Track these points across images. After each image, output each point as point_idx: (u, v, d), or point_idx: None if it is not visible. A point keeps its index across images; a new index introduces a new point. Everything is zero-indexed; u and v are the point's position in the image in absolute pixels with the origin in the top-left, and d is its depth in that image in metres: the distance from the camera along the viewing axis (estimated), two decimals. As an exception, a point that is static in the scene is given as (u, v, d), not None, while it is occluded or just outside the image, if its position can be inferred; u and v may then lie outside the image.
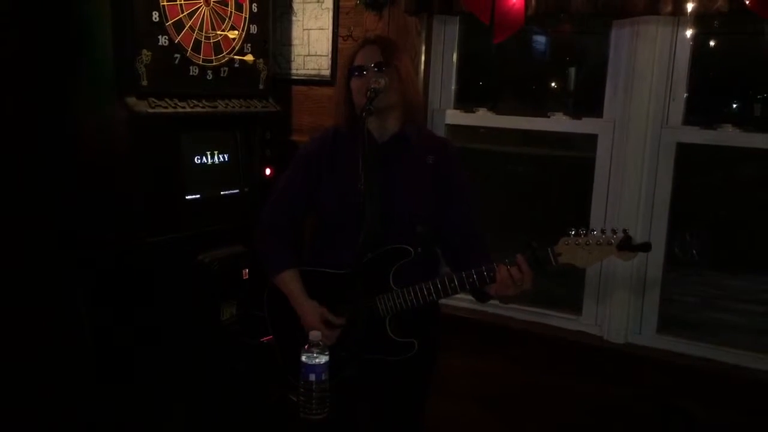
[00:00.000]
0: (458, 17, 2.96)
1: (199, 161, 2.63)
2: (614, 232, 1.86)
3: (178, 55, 2.47)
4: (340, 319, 2.07)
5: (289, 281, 2.14)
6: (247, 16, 2.72)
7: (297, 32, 3.17)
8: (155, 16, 2.37)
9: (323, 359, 1.72)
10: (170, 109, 2.43)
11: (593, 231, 1.86)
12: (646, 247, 1.88)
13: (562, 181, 3.96)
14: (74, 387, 2.66)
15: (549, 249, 1.88)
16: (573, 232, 1.86)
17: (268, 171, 2.84)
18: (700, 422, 2.53)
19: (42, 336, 2.63)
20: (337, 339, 2.05)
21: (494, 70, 3.74)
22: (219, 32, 2.60)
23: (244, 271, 2.68)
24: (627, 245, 1.84)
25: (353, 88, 2.07)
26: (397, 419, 2.25)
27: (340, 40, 3.08)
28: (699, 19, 2.40)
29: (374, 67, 2.05)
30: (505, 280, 1.90)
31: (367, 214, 1.93)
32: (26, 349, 2.60)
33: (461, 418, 3.00)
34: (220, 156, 2.71)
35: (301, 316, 2.11)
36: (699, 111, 2.76)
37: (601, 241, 1.85)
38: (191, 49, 2.51)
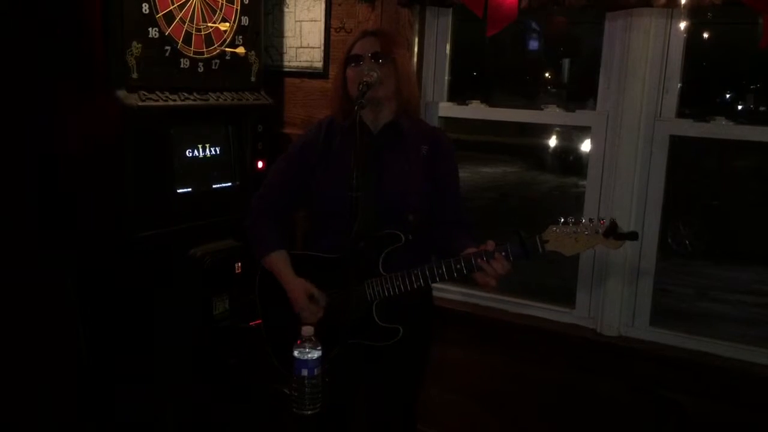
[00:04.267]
0: (451, 9, 2.94)
1: (191, 154, 2.61)
2: (602, 221, 1.87)
3: (168, 48, 2.45)
4: (324, 295, 2.10)
5: (277, 261, 2.16)
6: (239, 8, 2.70)
7: (289, 24, 3.15)
8: (145, 8, 2.34)
9: (315, 354, 1.71)
10: (161, 102, 2.41)
11: (582, 220, 1.88)
12: (633, 235, 1.89)
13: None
14: (68, 386, 2.65)
15: (537, 236, 1.90)
16: (562, 221, 1.88)
17: (260, 164, 2.83)
18: (693, 415, 2.54)
19: (34, 335, 2.62)
20: (325, 321, 2.07)
21: (488, 63, 3.73)
22: (210, 24, 2.58)
23: (236, 265, 2.67)
24: (613, 233, 1.85)
25: (349, 77, 2.11)
26: (389, 406, 2.27)
27: (332, 31, 3.05)
28: (692, 11, 2.39)
29: (371, 57, 2.07)
30: (490, 272, 1.92)
31: (361, 206, 1.95)
32: (20, 347, 2.59)
33: (455, 409, 3.00)
34: (212, 149, 2.69)
35: (288, 291, 2.13)
36: (692, 102, 2.76)
37: (588, 229, 1.86)
38: (182, 42, 2.48)
